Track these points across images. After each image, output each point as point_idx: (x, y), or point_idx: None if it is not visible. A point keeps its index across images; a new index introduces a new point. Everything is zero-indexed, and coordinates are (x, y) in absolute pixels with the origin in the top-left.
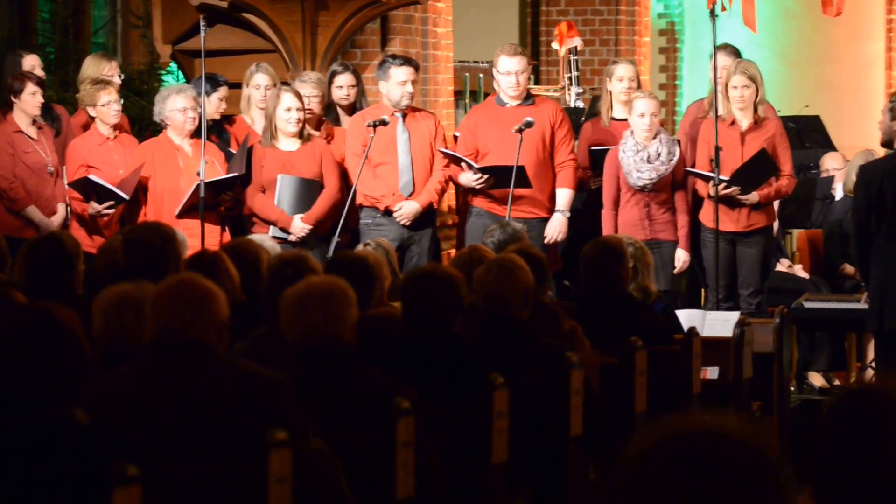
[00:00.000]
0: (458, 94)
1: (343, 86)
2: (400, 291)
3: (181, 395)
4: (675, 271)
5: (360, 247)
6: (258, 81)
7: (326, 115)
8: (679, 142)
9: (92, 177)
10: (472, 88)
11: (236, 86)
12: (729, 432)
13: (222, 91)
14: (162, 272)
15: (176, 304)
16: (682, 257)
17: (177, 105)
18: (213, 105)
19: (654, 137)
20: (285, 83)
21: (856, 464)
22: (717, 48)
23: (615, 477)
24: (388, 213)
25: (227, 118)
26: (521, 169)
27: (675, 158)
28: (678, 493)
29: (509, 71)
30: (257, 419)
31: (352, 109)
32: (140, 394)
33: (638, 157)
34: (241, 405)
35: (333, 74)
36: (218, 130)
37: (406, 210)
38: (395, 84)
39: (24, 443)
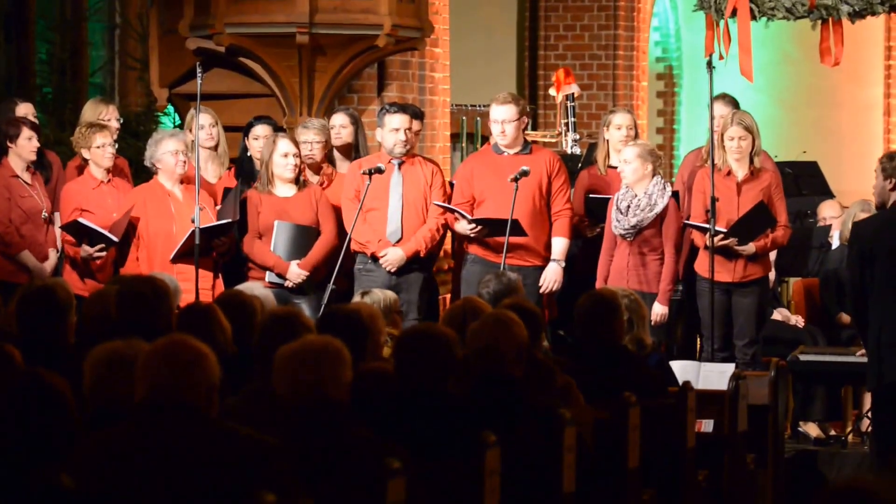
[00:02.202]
0: (455, 137)
1: (335, 125)
2: (392, 350)
3: (170, 457)
4: (652, 325)
5: (357, 297)
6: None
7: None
8: (672, 192)
9: (81, 220)
10: (470, 131)
11: (233, 129)
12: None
13: (258, 129)
14: (154, 326)
15: (166, 365)
16: (658, 311)
17: (168, 148)
18: (253, 147)
19: (644, 185)
20: (282, 129)
21: None
22: (714, 98)
23: None
24: (376, 258)
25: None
26: (515, 221)
27: (658, 208)
28: None
29: (496, 119)
30: (247, 482)
31: (347, 150)
32: (129, 456)
33: (621, 205)
34: (231, 467)
35: (327, 117)
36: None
37: (391, 257)
38: (388, 131)
39: None
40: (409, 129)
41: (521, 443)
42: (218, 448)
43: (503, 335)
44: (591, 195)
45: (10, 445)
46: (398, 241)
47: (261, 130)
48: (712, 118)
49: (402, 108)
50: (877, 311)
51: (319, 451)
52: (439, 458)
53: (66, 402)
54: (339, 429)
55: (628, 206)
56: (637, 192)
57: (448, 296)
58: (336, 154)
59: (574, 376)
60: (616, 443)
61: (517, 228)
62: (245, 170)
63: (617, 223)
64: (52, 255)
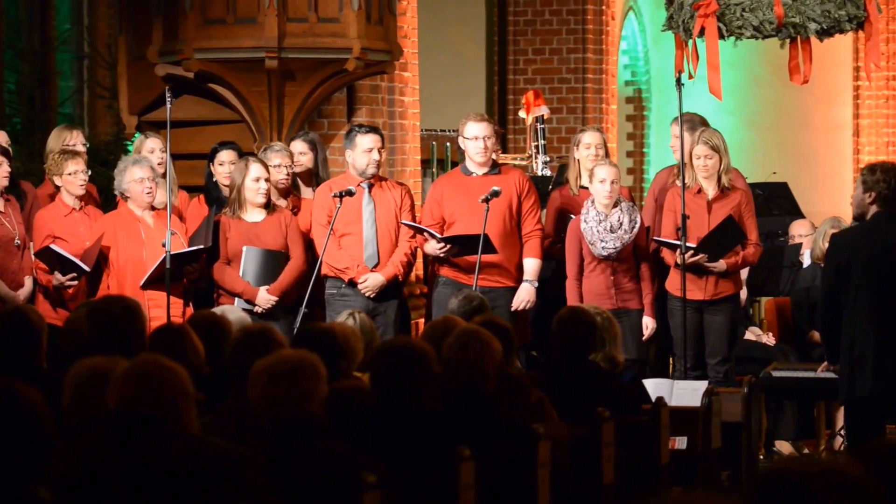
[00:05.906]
0: (425, 163)
1: (294, 153)
2: (369, 364)
3: (141, 469)
4: (644, 338)
5: (342, 317)
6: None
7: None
8: (639, 210)
9: (53, 246)
10: (440, 157)
11: (201, 157)
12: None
13: (223, 155)
14: (127, 344)
15: (134, 377)
16: (648, 324)
17: (134, 176)
18: (218, 172)
19: (616, 206)
20: (252, 154)
21: None
22: (681, 116)
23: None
24: (352, 283)
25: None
26: (485, 237)
27: (637, 226)
28: None
29: (476, 136)
30: (220, 492)
31: (308, 176)
32: (100, 467)
33: (601, 226)
34: (204, 479)
35: (289, 142)
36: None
37: (371, 282)
38: (361, 152)
39: None
40: (382, 148)
41: (496, 458)
42: (190, 460)
43: (477, 350)
44: (570, 215)
45: None
46: (375, 266)
47: (226, 156)
48: (682, 135)
49: (373, 128)
50: (850, 323)
51: (295, 464)
52: (414, 472)
53: (40, 413)
54: (315, 442)
55: (611, 227)
56: (613, 213)
57: (421, 320)
58: (298, 180)
59: (547, 393)
60: (590, 459)
61: (488, 245)
62: (213, 196)
63: (604, 244)
64: (28, 283)
